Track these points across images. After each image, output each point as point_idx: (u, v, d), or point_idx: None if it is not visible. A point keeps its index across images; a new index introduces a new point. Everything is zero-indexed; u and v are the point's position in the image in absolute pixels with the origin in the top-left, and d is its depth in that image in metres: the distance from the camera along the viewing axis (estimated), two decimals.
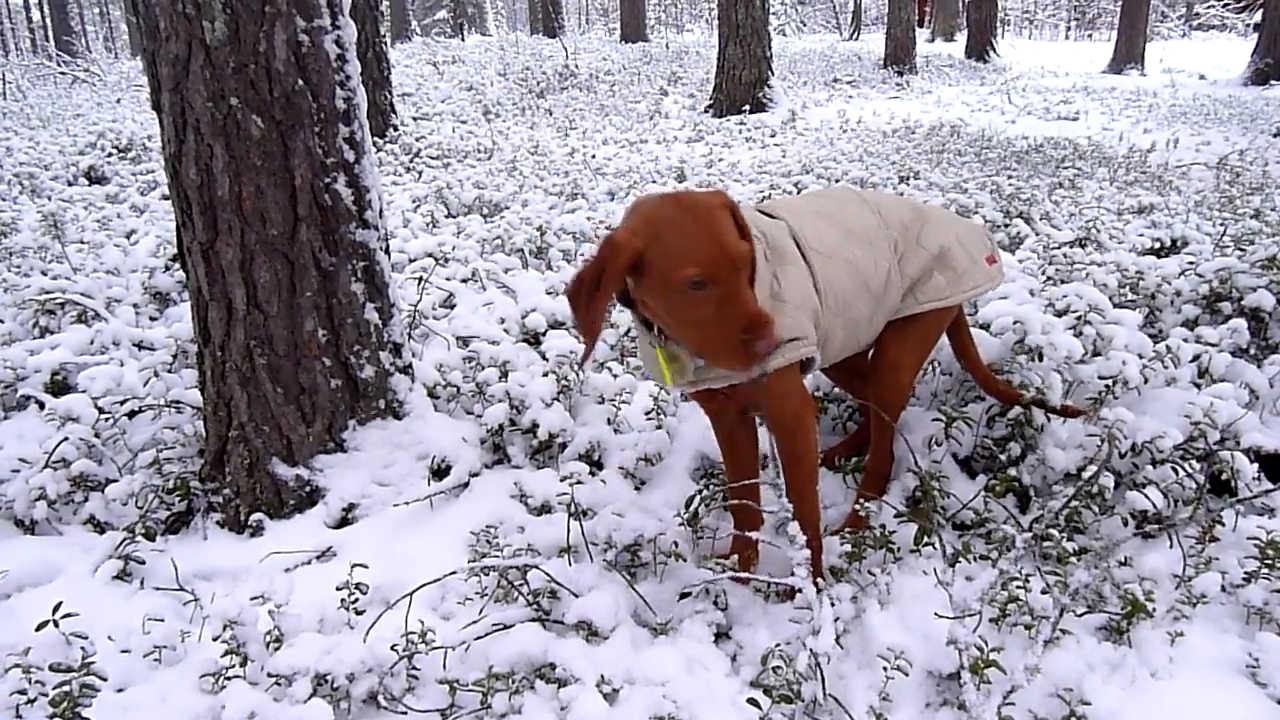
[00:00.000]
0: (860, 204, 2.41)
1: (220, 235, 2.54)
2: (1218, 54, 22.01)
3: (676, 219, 1.85)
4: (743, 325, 1.79)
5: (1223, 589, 2.16)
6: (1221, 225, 4.92)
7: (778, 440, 2.18)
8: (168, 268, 4.29)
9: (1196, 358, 2.84)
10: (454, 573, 2.19)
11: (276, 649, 2.06)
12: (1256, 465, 2.48)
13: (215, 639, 2.06)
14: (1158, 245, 4.52)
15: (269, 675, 1.97)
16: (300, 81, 2.49)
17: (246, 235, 2.53)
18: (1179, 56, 21.48)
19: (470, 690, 1.95)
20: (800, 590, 1.97)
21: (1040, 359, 2.66)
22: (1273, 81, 15.21)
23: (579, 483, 2.58)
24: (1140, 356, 2.73)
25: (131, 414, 3.16)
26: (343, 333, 2.70)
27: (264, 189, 2.50)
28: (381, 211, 2.81)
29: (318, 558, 2.55)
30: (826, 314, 2.21)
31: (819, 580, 2.09)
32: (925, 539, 2.29)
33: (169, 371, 3.38)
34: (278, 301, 2.59)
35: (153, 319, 4.14)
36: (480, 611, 2.22)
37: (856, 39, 23.62)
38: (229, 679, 2.00)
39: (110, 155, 8.41)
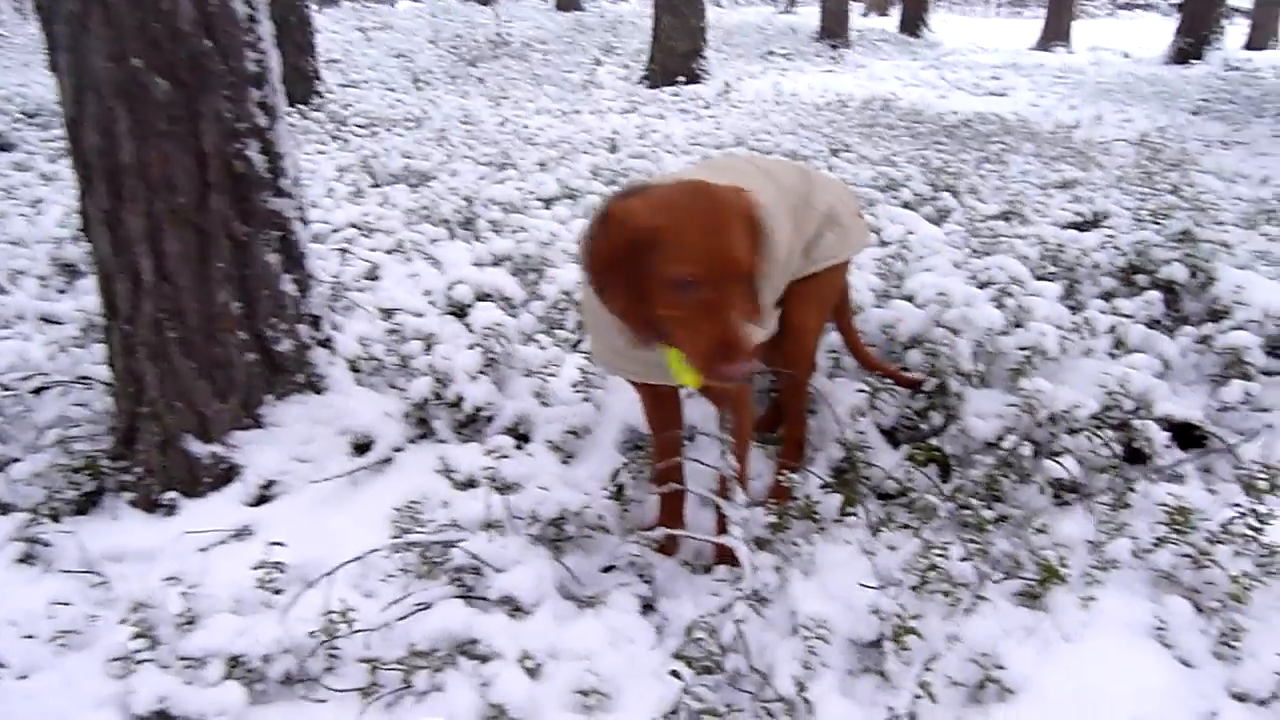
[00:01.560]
0: (756, 172, 2.38)
1: (125, 203, 2.42)
2: (1142, 33, 22.53)
3: (690, 212, 1.72)
4: (719, 341, 1.66)
5: (1134, 554, 2.22)
6: (1140, 200, 5.04)
7: (727, 415, 2.17)
8: (76, 238, 4.11)
9: (1113, 329, 2.90)
10: (375, 550, 2.14)
11: (189, 631, 2.00)
12: (1168, 434, 2.55)
13: (123, 622, 1.99)
14: (1080, 219, 4.61)
15: (180, 658, 1.91)
16: (208, 42, 2.38)
17: (153, 203, 2.42)
18: (1105, 35, 21.93)
19: (392, 669, 1.92)
20: (733, 557, 1.96)
21: (955, 334, 2.69)
22: (1193, 61, 15.61)
23: (504, 457, 2.55)
24: (1059, 328, 2.79)
25: (37, 390, 3.02)
26: (258, 305, 2.61)
27: (171, 155, 2.39)
28: (298, 179, 2.71)
29: (234, 536, 2.48)
30: None
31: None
32: (850, 509, 2.31)
33: (78, 346, 3.25)
34: (188, 273, 2.48)
35: (61, 292, 3.97)
36: (404, 589, 2.18)
37: (792, 11, 23.64)
38: (138, 663, 1.93)
39: (17, 121, 8.01)
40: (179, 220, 2.45)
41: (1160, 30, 20.62)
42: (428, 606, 2.05)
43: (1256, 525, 2.13)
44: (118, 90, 2.33)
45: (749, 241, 1.73)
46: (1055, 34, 19.08)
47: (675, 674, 1.83)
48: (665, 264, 1.68)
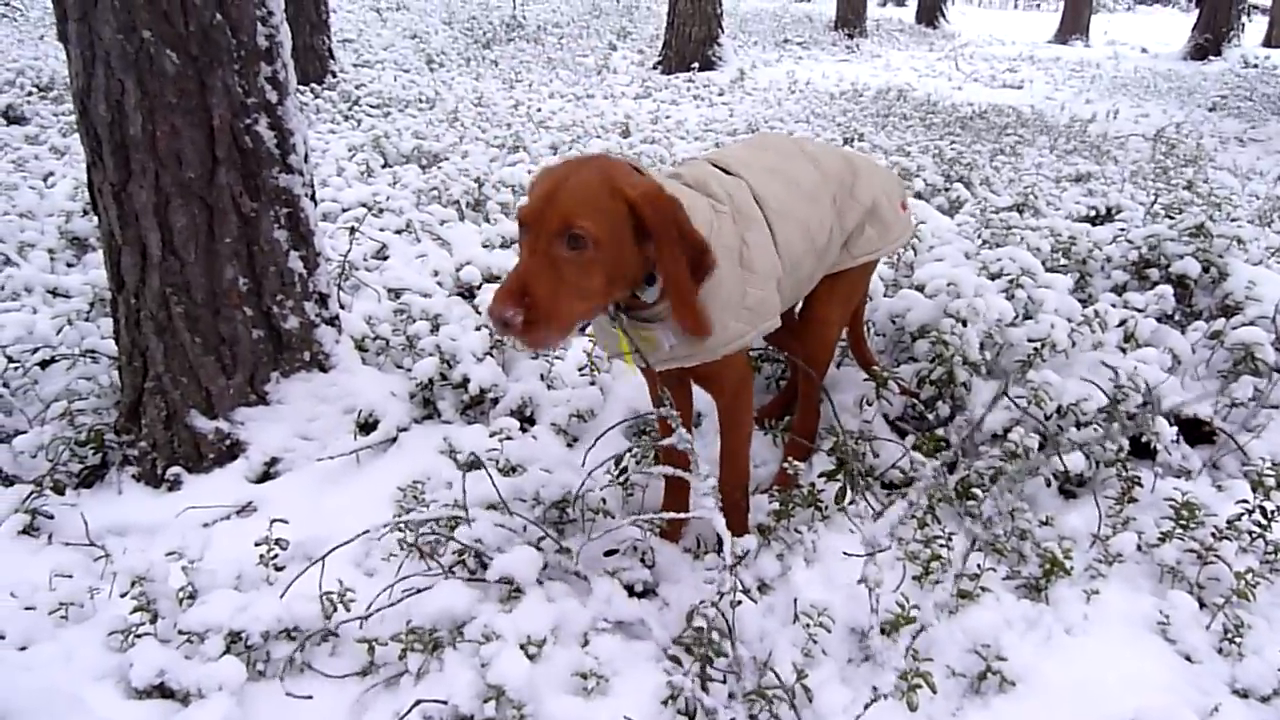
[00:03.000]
0: (803, 157, 2.35)
1: (133, 177, 2.41)
2: (1160, 28, 22.35)
3: (554, 168, 1.78)
4: (502, 283, 1.68)
5: (1139, 548, 2.21)
6: (1154, 195, 5.00)
7: (720, 407, 2.16)
8: (86, 212, 4.11)
9: (1123, 322, 2.88)
10: (366, 531, 2.13)
11: (189, 605, 2.00)
12: (1176, 429, 2.53)
13: (124, 595, 2.00)
14: (1093, 213, 4.58)
15: (180, 632, 1.91)
16: (218, 15, 2.37)
17: (161, 177, 2.41)
18: (1123, 29, 21.76)
19: (390, 647, 1.92)
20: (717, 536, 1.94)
21: (965, 325, 2.67)
22: (1211, 57, 15.48)
23: (509, 439, 2.55)
24: (1069, 320, 2.76)
25: (44, 364, 3.03)
26: (265, 281, 2.61)
27: (179, 128, 2.38)
28: (307, 156, 2.70)
29: (237, 513, 2.48)
30: (784, 276, 2.16)
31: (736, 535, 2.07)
32: (847, 498, 2.30)
33: (85, 320, 3.25)
34: (195, 248, 2.48)
35: (70, 265, 3.97)
36: (400, 569, 2.17)
37: (808, 0, 23.49)
38: (138, 636, 1.94)
39: (30, 94, 8.01)
40: (187, 194, 2.44)
41: (1179, 26, 20.44)
42: (429, 587, 2.05)
43: (1263, 522, 2.12)
44: (127, 63, 2.32)
45: (587, 208, 1.68)
46: (1073, 27, 18.93)
47: (675, 659, 1.83)
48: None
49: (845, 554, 2.08)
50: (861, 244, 2.36)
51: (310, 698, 1.87)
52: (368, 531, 2.13)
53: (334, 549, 2.09)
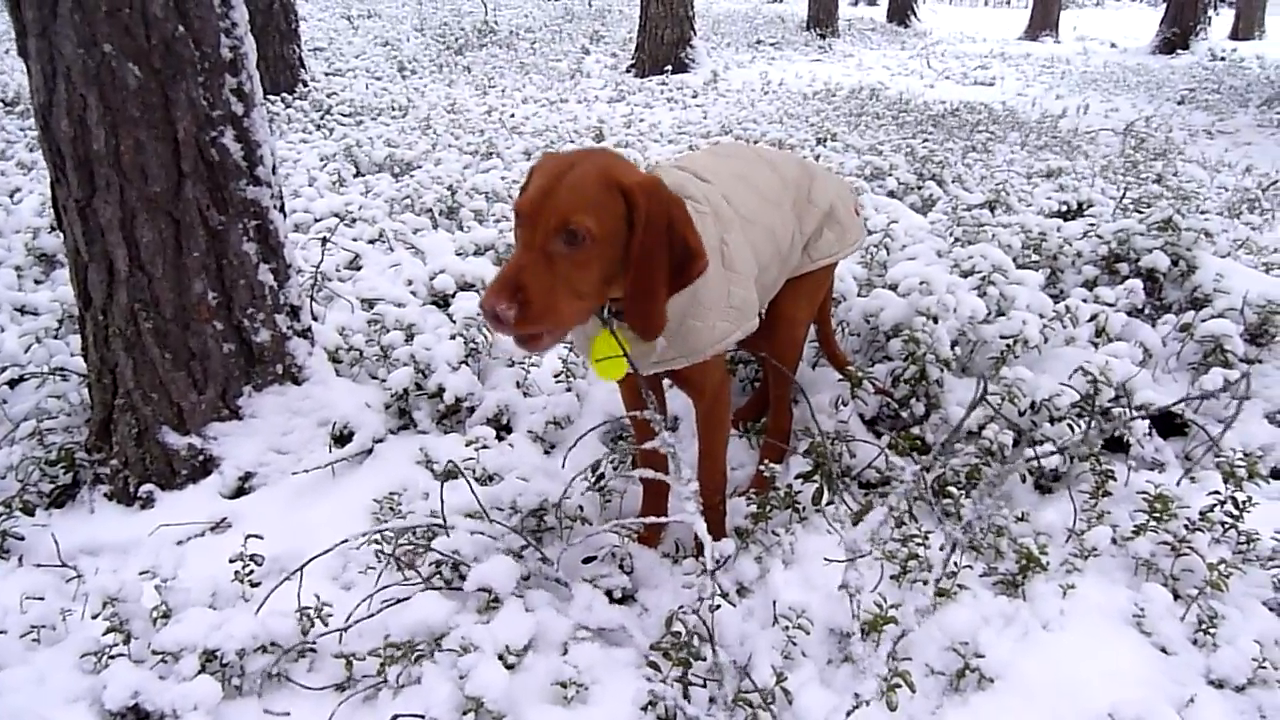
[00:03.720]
0: (762, 164, 2.37)
1: (98, 192, 2.39)
2: (1128, 23, 22.55)
3: (552, 161, 1.74)
4: (496, 276, 1.64)
5: (1114, 541, 2.22)
6: (1123, 189, 5.04)
7: (701, 410, 2.16)
8: (53, 228, 4.06)
9: (1094, 317, 2.90)
10: (345, 541, 2.11)
11: (163, 625, 1.98)
12: (1148, 422, 2.55)
13: (96, 616, 1.97)
14: (1064, 208, 4.61)
15: (154, 653, 1.89)
16: (180, 28, 2.35)
17: (126, 192, 2.38)
18: (1092, 24, 21.95)
19: (369, 661, 1.90)
20: (696, 538, 1.93)
21: (935, 321, 2.68)
22: (1179, 51, 15.65)
23: (485, 447, 2.53)
24: (1041, 316, 2.78)
25: (12, 383, 2.99)
26: (235, 295, 2.58)
27: (144, 142, 2.36)
28: (275, 168, 2.68)
29: (212, 529, 2.46)
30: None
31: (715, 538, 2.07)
32: (824, 499, 2.30)
33: (54, 337, 3.21)
34: (163, 262, 2.45)
35: (38, 282, 3.91)
36: (378, 581, 2.16)
37: (780, 1, 23.57)
38: (111, 658, 1.92)
39: None
40: (153, 209, 2.41)
41: (1147, 20, 20.66)
42: (406, 599, 2.04)
43: (1234, 513, 2.14)
44: (89, 77, 2.29)
45: (585, 203, 1.65)
46: (1043, 23, 19.08)
47: (653, 664, 1.83)
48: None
49: (826, 560, 2.08)
50: (821, 247, 2.37)
51: (288, 714, 1.86)
52: (346, 541, 2.11)
53: (310, 560, 2.08)
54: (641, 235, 1.69)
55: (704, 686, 1.83)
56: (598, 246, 1.66)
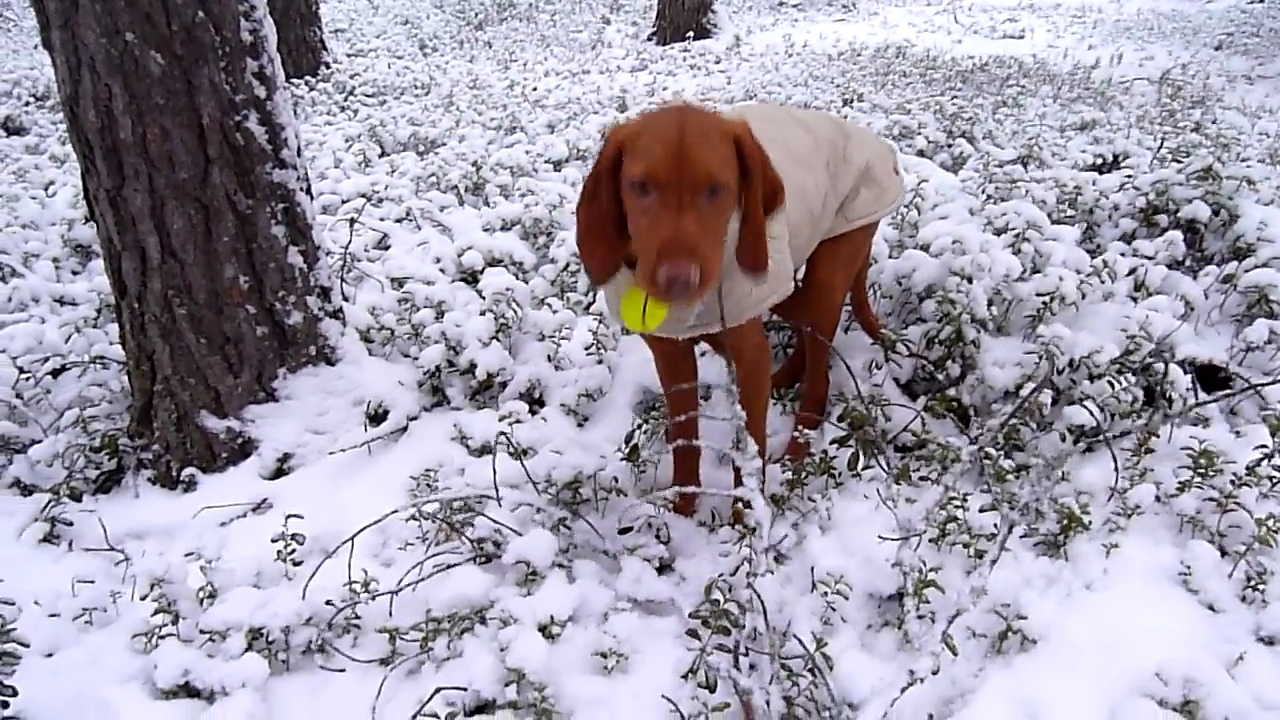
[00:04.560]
0: (794, 124, 2.33)
1: (127, 181, 2.41)
2: None
3: (661, 121, 1.71)
4: (659, 245, 1.63)
5: (1157, 499, 2.18)
6: (1160, 139, 4.92)
7: (741, 376, 2.13)
8: (88, 219, 4.11)
9: (1133, 271, 2.84)
10: (394, 512, 2.14)
11: (210, 605, 2.01)
12: (1191, 376, 2.50)
13: (145, 598, 2.01)
14: (1099, 161, 4.51)
15: (201, 632, 1.93)
16: (200, 13, 2.35)
17: (155, 180, 2.40)
18: None
19: (410, 638, 1.92)
20: (748, 506, 1.93)
21: (970, 281, 2.64)
22: None
23: (518, 422, 2.54)
24: (1078, 272, 2.73)
25: (55, 372, 3.04)
26: (266, 278, 2.60)
27: (170, 130, 2.37)
28: (300, 150, 2.69)
29: (253, 510, 2.49)
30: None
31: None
32: (862, 463, 2.29)
33: (93, 326, 3.27)
34: (193, 248, 2.47)
35: (75, 273, 3.98)
36: (425, 551, 2.18)
37: None
38: (161, 638, 1.95)
39: (28, 104, 8.03)
40: (182, 196, 2.43)
41: None
42: (456, 565, 2.06)
43: None
44: (112, 67, 2.30)
45: (718, 156, 1.68)
46: None
47: (693, 633, 1.83)
48: (629, 166, 1.69)
49: (880, 538, 2.04)
50: (857, 207, 2.34)
51: (342, 672, 1.89)
52: (396, 511, 2.16)
53: (361, 530, 2.12)
54: (755, 178, 1.76)
55: (745, 655, 1.82)
56: (729, 194, 1.71)
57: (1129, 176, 3.49)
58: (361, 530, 2.13)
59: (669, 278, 1.59)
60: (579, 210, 1.82)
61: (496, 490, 2.21)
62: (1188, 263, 3.09)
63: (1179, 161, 3.69)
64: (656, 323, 1.86)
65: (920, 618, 1.89)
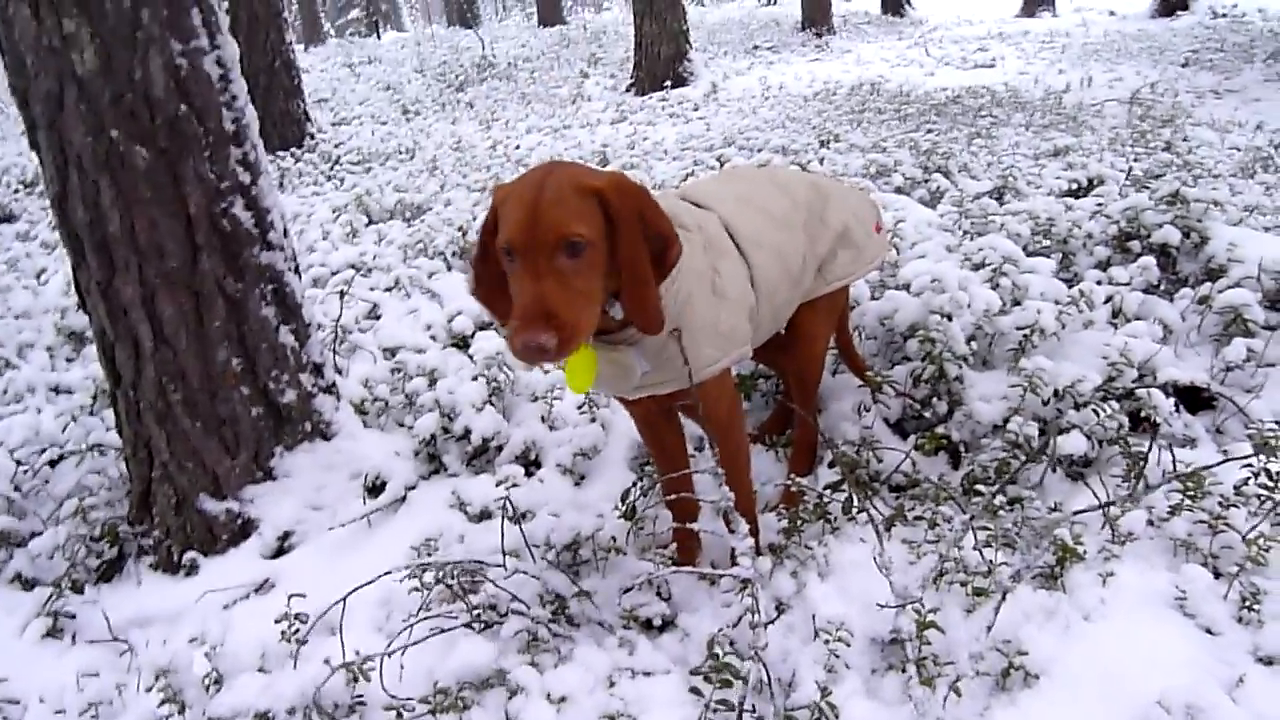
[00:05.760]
0: (772, 186, 2.38)
1: (118, 272, 2.46)
2: None
3: (524, 183, 1.73)
4: (517, 311, 1.64)
5: (1150, 523, 2.20)
6: (1130, 162, 5.01)
7: (714, 438, 2.16)
8: (80, 306, 4.16)
9: (1110, 298, 2.89)
10: (388, 573, 2.15)
11: (216, 691, 2.02)
12: (1173, 399, 2.53)
13: (150, 689, 2.02)
14: (1075, 186, 4.59)
15: (208, 719, 1.93)
16: (183, 106, 2.42)
17: (145, 270, 2.45)
18: None
19: (418, 713, 1.93)
20: (748, 579, 1.95)
21: (949, 319, 2.68)
22: (1179, 12, 15.49)
23: (515, 485, 2.56)
24: (1056, 302, 2.77)
25: (53, 462, 3.07)
26: (258, 359, 2.64)
27: (157, 220, 2.42)
28: (286, 230, 2.74)
29: (256, 591, 2.50)
30: (760, 305, 2.18)
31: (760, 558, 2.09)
32: (854, 508, 2.30)
33: (89, 414, 3.30)
34: (185, 335, 2.52)
35: (69, 360, 4.02)
36: (425, 629, 2.19)
37: (774, 3, 23.61)
38: None
39: (17, 191, 8.13)
40: (172, 284, 2.48)
41: None
42: (441, 631, 2.06)
43: (1269, 484, 2.12)
44: (99, 163, 2.36)
45: (572, 213, 1.67)
46: None
47: (695, 690, 1.84)
48: (499, 232, 1.72)
49: (879, 605, 2.04)
50: (835, 269, 2.38)
51: None
52: (389, 573, 2.17)
53: (353, 590, 2.14)
54: (622, 229, 1.73)
55: (752, 711, 1.83)
56: (594, 250, 1.70)
57: (1101, 204, 3.55)
58: (354, 591, 2.13)
59: (523, 344, 1.61)
60: (473, 264, 1.85)
61: (504, 555, 2.22)
62: (1163, 286, 3.14)
63: (1148, 187, 3.76)
64: (587, 384, 1.88)
65: (919, 653, 1.89)
